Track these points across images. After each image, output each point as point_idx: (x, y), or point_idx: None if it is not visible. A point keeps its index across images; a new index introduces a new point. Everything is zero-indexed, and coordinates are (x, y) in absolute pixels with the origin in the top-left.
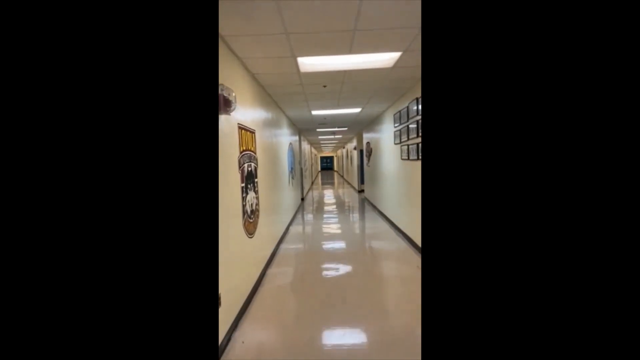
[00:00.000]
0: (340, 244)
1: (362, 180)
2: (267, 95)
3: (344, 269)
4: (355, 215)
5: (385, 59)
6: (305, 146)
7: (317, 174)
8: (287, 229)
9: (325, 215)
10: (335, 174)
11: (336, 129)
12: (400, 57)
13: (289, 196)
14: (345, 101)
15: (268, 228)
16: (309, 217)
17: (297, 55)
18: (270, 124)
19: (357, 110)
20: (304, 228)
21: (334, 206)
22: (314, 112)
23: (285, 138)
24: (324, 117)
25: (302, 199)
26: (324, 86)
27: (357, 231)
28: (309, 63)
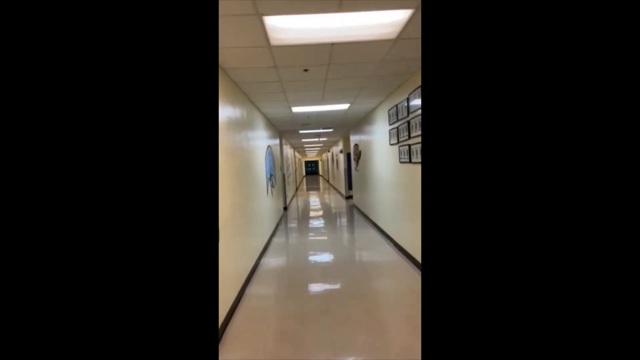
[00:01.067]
0: (331, 285)
1: (349, 186)
2: (234, 86)
3: (331, 287)
4: (344, 228)
5: (387, 23)
6: (288, 150)
7: (302, 179)
8: (269, 242)
9: (311, 225)
10: (321, 178)
11: (321, 131)
12: (410, 21)
13: (267, 207)
14: (332, 94)
15: (239, 246)
16: (293, 235)
17: (264, 13)
18: (240, 124)
19: (344, 106)
20: (289, 240)
21: (321, 218)
22: (295, 109)
23: (262, 141)
24: (307, 115)
25: (285, 208)
26: (305, 70)
27: (346, 246)
28: (282, 28)
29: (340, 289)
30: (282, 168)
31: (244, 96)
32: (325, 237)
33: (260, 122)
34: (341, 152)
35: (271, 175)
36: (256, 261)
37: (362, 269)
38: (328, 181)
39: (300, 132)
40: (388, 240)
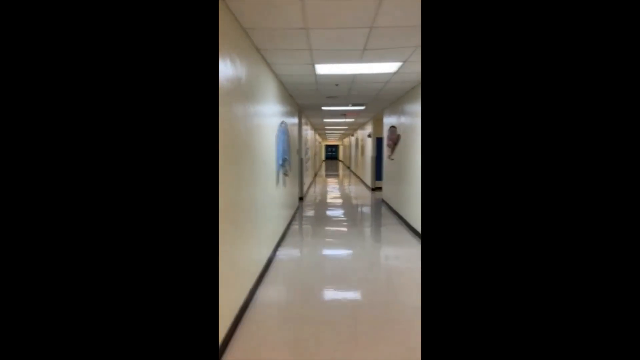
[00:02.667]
0: (353, 295)
1: (378, 176)
2: (237, 29)
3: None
4: (371, 230)
5: None
6: (308, 131)
7: (321, 163)
8: (273, 255)
9: (330, 228)
10: (340, 164)
11: (349, 108)
12: None
13: (275, 203)
14: (379, 42)
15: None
16: (307, 243)
17: None
18: (241, 90)
19: (392, 67)
20: (301, 255)
21: (342, 213)
22: (321, 69)
23: (272, 117)
24: (336, 82)
25: (301, 198)
26: None
27: (378, 260)
28: None
29: None
30: (299, 152)
31: (250, 46)
32: (350, 251)
33: (271, 89)
34: (369, 136)
35: (284, 160)
36: (248, 294)
37: (408, 310)
38: (349, 167)
39: (324, 108)
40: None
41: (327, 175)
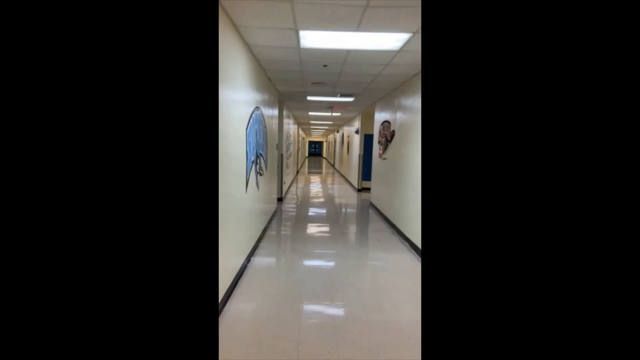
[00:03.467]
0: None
1: (365, 176)
2: None
3: None
4: (359, 241)
5: None
6: (292, 126)
7: (304, 160)
8: (247, 263)
9: (312, 231)
10: (324, 161)
11: (337, 99)
12: None
13: (244, 212)
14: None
15: None
16: (285, 252)
17: None
18: None
19: (399, 39)
20: (277, 265)
21: (325, 215)
22: (307, 42)
23: (242, 105)
24: (324, 61)
25: (280, 199)
26: None
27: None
28: None
29: None
30: (279, 147)
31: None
32: (332, 263)
33: (241, 64)
34: (357, 132)
35: (259, 156)
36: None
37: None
38: (333, 165)
39: (309, 99)
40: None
41: (310, 173)
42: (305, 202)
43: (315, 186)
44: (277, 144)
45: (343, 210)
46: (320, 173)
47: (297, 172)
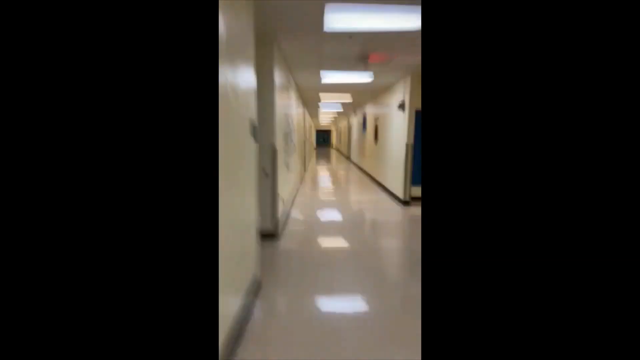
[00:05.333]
0: None
1: (416, 178)
2: None
3: None
4: None
5: None
6: (294, 109)
7: (313, 152)
8: None
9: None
10: (334, 152)
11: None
12: None
13: None
14: None
15: None
16: None
17: None
18: None
19: None
20: None
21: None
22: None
23: None
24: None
25: (273, 235)
26: None
27: None
28: None
29: None
30: (260, 133)
31: None
32: None
33: None
34: (401, 107)
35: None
36: None
37: None
38: (349, 158)
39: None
40: None
41: (324, 172)
42: (317, 239)
43: (331, 198)
44: (254, 129)
45: (390, 257)
46: (334, 170)
47: (305, 170)
